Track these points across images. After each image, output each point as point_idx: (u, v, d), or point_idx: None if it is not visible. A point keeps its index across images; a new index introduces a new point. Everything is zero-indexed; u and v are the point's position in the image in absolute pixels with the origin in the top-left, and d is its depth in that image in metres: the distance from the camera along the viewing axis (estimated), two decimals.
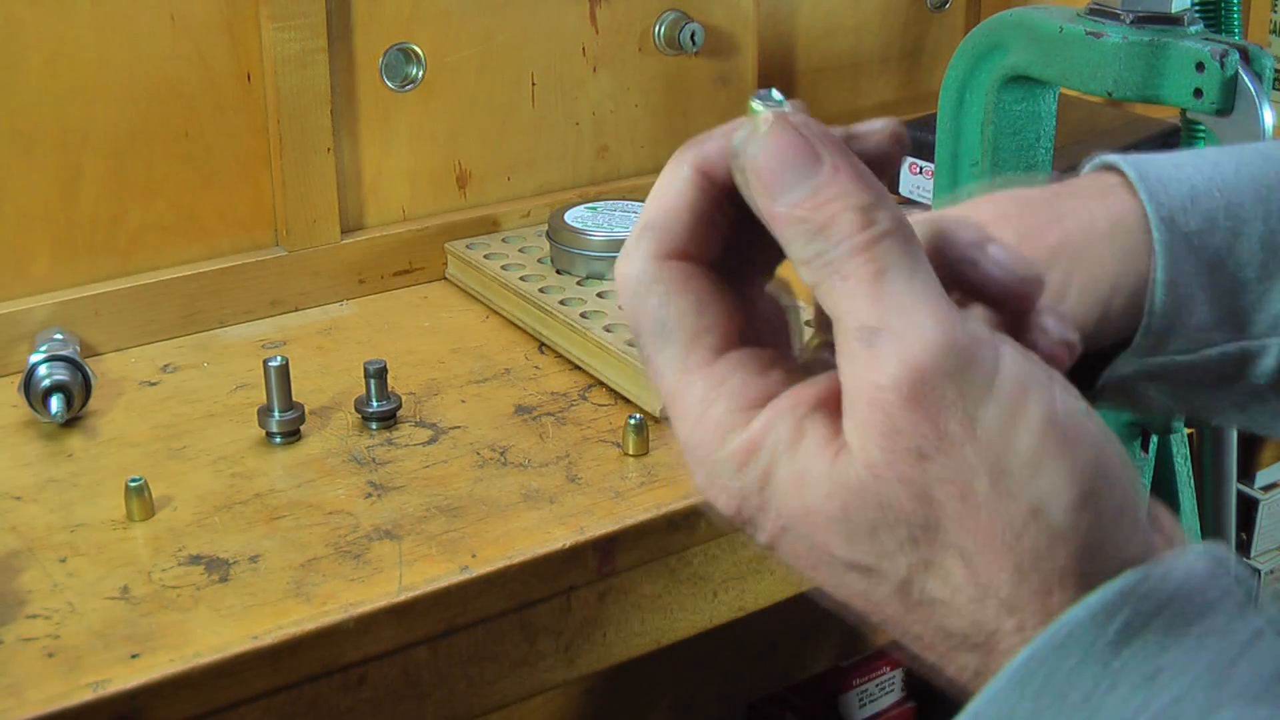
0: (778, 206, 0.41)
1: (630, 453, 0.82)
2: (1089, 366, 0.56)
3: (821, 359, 0.44)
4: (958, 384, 0.39)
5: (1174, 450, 0.95)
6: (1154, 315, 0.55)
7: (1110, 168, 0.60)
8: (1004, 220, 0.55)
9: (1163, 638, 0.38)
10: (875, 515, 0.40)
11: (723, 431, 0.42)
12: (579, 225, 1.02)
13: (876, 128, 0.44)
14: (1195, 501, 0.95)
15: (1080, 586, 0.38)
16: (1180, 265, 0.55)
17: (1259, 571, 1.62)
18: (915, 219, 0.43)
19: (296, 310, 1.02)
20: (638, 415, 0.83)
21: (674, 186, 0.47)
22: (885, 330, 0.39)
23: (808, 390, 0.42)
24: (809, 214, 0.40)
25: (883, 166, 0.43)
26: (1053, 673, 0.38)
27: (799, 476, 0.41)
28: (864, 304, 0.39)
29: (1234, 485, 1.27)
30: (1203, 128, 1.03)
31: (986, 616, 0.39)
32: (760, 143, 0.41)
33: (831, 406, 0.41)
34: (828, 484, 0.40)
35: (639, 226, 0.47)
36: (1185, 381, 0.57)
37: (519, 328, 0.99)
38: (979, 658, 0.40)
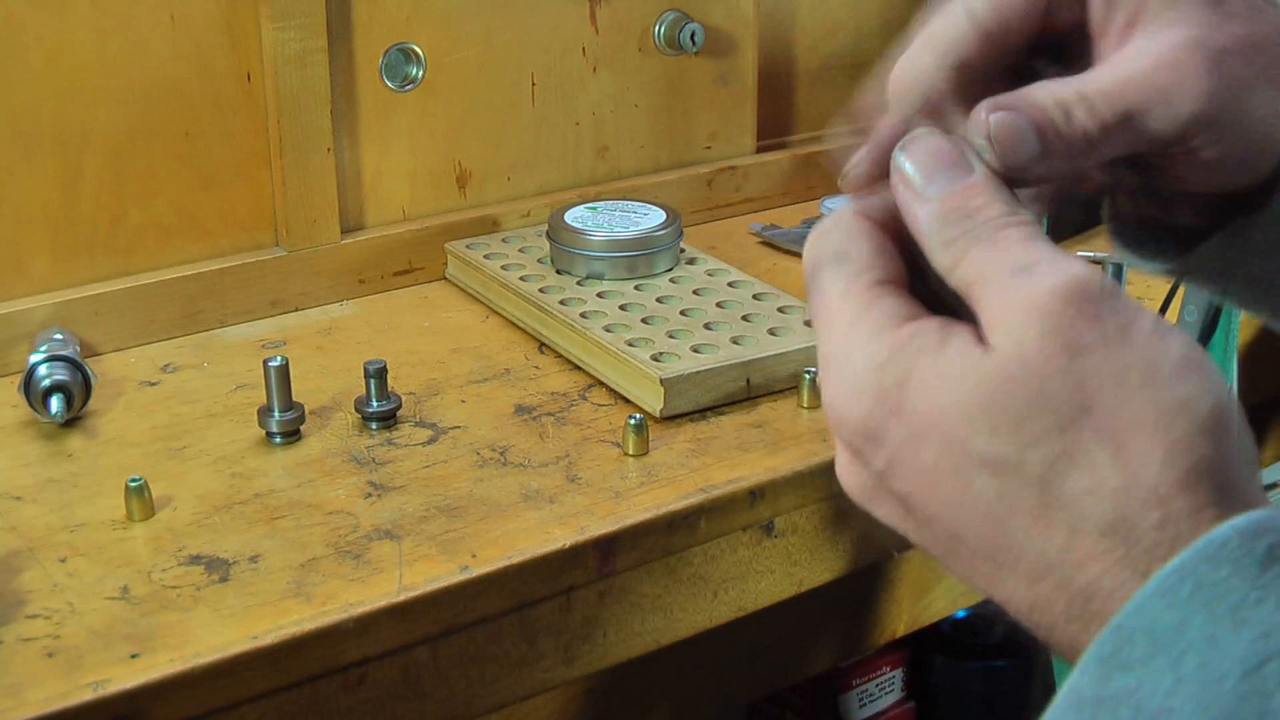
0: (930, 191, 0.46)
1: (630, 453, 0.82)
2: (1196, 211, 0.54)
3: None
4: (1112, 301, 0.42)
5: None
6: None
7: None
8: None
9: None
10: (1024, 403, 0.42)
11: (871, 335, 0.45)
12: (579, 225, 1.02)
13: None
14: None
15: (1219, 502, 0.40)
16: None
17: None
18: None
19: (296, 310, 1.02)
20: (638, 415, 0.83)
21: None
22: (1042, 262, 0.43)
23: (954, 319, 0.45)
24: (962, 203, 0.45)
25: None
26: (1202, 583, 0.38)
27: (943, 372, 0.43)
28: (1019, 250, 0.43)
29: None
30: None
31: (1132, 508, 0.40)
32: (915, 146, 0.47)
33: (976, 332, 0.44)
34: (976, 374, 0.42)
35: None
36: None
37: (519, 328, 0.99)
38: (1114, 573, 0.40)
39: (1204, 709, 0.37)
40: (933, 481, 0.44)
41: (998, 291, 0.43)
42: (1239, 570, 0.38)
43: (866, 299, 0.46)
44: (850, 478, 0.48)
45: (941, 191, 0.46)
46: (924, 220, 0.46)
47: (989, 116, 0.47)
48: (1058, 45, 0.53)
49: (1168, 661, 0.38)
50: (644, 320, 0.94)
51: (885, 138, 0.50)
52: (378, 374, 0.85)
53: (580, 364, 0.93)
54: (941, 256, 0.45)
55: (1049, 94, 0.48)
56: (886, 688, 1.34)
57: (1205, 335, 0.81)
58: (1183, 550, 0.39)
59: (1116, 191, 0.57)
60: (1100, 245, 1.16)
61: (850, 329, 0.46)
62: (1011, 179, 0.47)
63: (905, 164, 0.47)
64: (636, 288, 0.99)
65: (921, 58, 0.51)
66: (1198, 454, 0.40)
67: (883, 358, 0.45)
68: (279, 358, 0.83)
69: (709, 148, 1.21)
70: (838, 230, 0.48)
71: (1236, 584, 0.38)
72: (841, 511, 0.84)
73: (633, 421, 0.82)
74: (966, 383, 0.43)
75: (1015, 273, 0.43)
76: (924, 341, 0.44)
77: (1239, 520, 0.39)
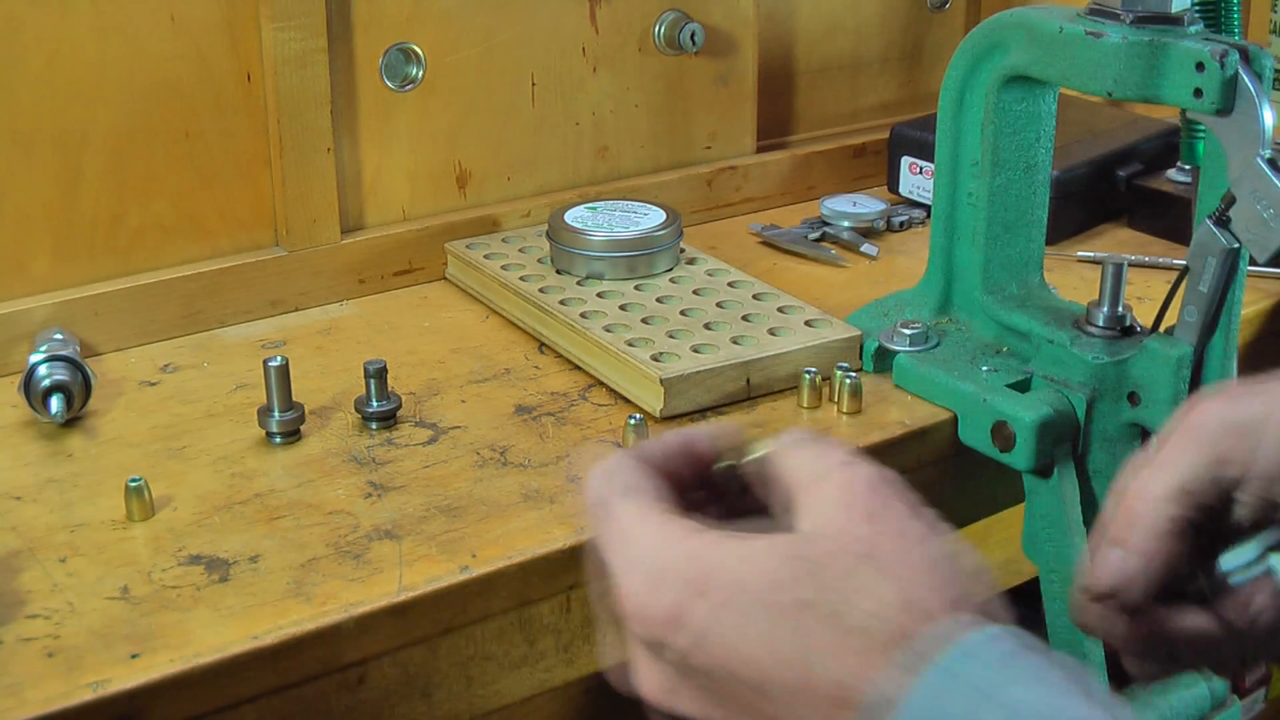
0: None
1: None
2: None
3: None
4: (892, 487, 0.54)
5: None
6: None
7: None
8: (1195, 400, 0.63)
9: (1038, 657, 0.48)
10: (824, 554, 0.51)
11: (676, 539, 0.54)
12: (579, 225, 1.02)
13: None
14: None
15: (974, 622, 0.49)
16: None
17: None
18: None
19: (296, 310, 1.02)
20: (638, 415, 0.83)
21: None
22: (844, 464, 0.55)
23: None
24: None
25: None
26: (960, 675, 0.47)
27: (748, 551, 0.52)
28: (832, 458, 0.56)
29: None
30: (1202, 128, 1.03)
31: (910, 623, 0.49)
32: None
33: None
34: (780, 543, 0.52)
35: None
36: None
37: (519, 328, 0.99)
38: (897, 678, 0.48)
39: None
40: (737, 642, 0.51)
41: (811, 487, 0.54)
42: (989, 665, 0.47)
43: (664, 518, 0.54)
44: (651, 679, 0.55)
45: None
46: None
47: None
48: None
49: None
50: (644, 320, 0.94)
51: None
52: (378, 374, 0.85)
53: (580, 364, 0.93)
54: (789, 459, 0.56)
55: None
56: None
57: (1205, 335, 0.81)
58: (948, 651, 0.48)
59: None
60: (1100, 245, 1.16)
61: (653, 538, 0.54)
62: None
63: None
64: (636, 288, 0.99)
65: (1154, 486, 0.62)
66: (956, 589, 0.51)
67: (689, 552, 0.52)
68: (279, 358, 0.83)
69: (709, 148, 1.21)
70: (623, 470, 0.57)
71: (988, 675, 0.47)
72: None
73: (633, 421, 0.82)
74: (773, 552, 0.52)
75: (818, 476, 0.54)
76: (725, 535, 0.53)
77: (989, 629, 0.49)
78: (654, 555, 0.53)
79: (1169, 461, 0.61)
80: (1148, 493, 0.61)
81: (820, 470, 0.55)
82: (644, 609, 0.53)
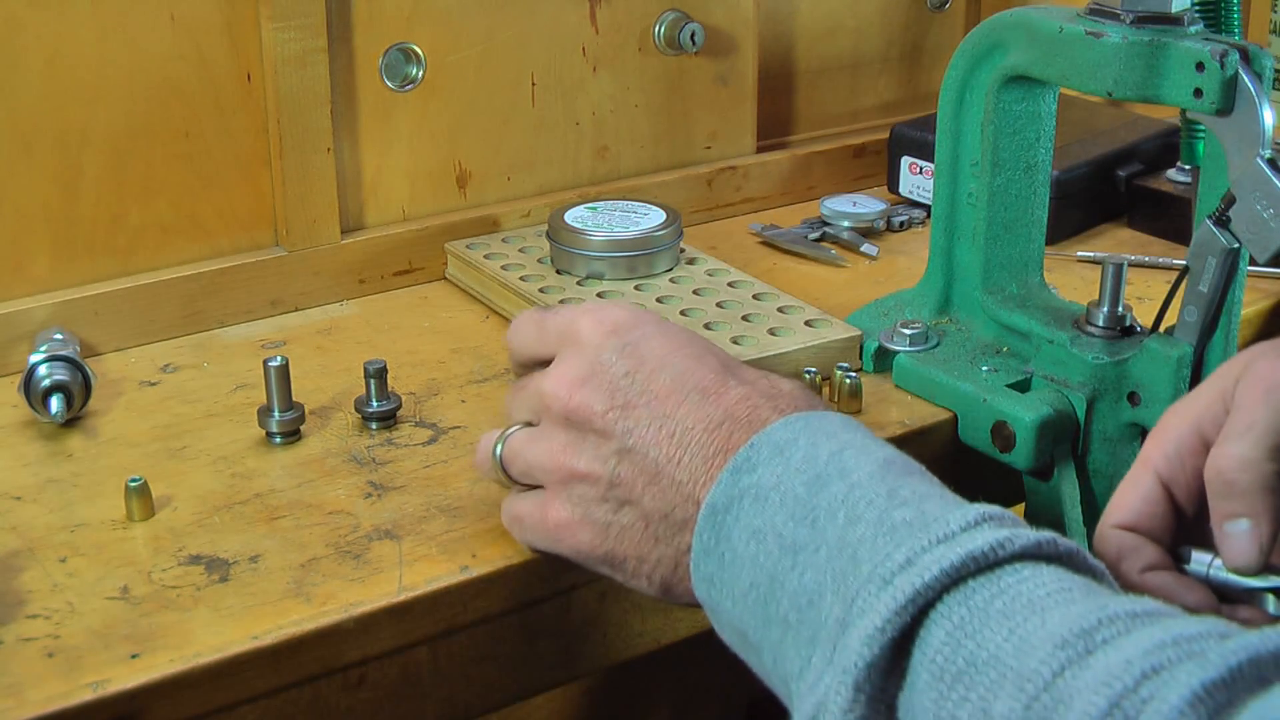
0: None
1: None
2: None
3: None
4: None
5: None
6: None
7: None
8: (1250, 355, 0.63)
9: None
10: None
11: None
12: (579, 225, 1.02)
13: None
14: None
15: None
16: None
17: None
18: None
19: (296, 310, 1.02)
20: None
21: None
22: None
23: None
24: None
25: None
26: (810, 421, 0.63)
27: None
28: None
29: None
30: (1202, 128, 1.03)
31: (780, 388, 0.67)
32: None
33: None
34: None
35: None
36: None
37: None
38: (767, 414, 0.64)
39: (800, 477, 0.59)
40: (675, 348, 0.67)
41: None
42: (835, 420, 0.63)
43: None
44: (569, 368, 0.68)
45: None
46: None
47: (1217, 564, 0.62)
48: None
49: (780, 459, 0.60)
50: None
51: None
52: (378, 374, 0.85)
53: None
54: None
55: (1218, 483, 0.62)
56: None
57: (1205, 335, 0.81)
58: (802, 411, 0.63)
59: None
60: (1100, 245, 1.16)
61: (603, 304, 0.72)
62: None
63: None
64: (636, 288, 0.99)
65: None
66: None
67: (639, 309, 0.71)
68: (279, 358, 0.83)
69: (709, 148, 1.21)
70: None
71: (832, 422, 0.62)
72: None
73: None
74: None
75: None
76: None
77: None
78: (607, 309, 0.70)
79: (1253, 424, 0.60)
80: (1245, 459, 0.60)
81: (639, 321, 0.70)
82: (599, 320, 0.69)
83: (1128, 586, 0.62)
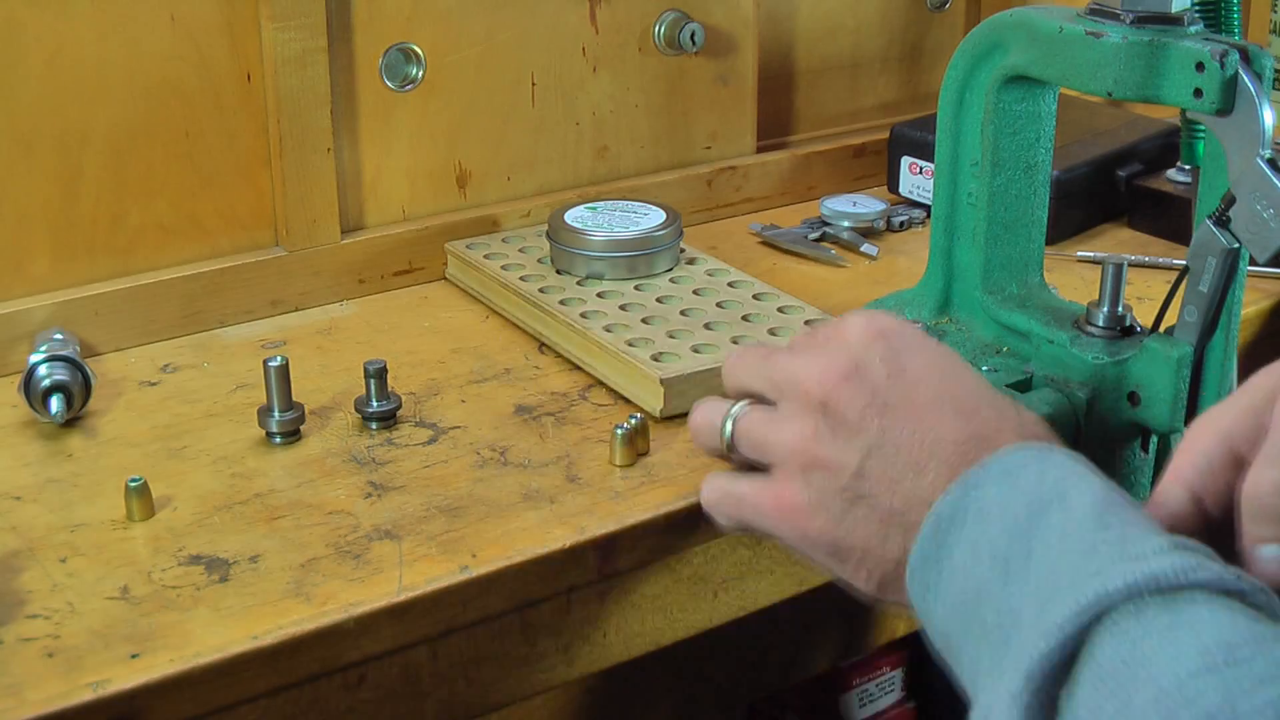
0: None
1: (617, 463, 0.81)
2: None
3: None
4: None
5: (1174, 449, 0.94)
6: None
7: None
8: None
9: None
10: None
11: None
12: (579, 225, 1.02)
13: None
14: None
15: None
16: None
17: None
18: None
19: (296, 310, 1.02)
20: (638, 415, 0.83)
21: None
22: None
23: None
24: None
25: None
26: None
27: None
28: None
29: None
30: (1202, 128, 1.03)
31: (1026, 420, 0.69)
32: None
33: None
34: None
35: None
36: None
37: (519, 328, 0.99)
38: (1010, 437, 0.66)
39: (1023, 499, 0.61)
40: (939, 359, 0.70)
41: None
42: (1064, 455, 0.64)
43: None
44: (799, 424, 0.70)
45: None
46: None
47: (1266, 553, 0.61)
48: None
49: (1008, 481, 0.62)
50: (644, 320, 0.94)
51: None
52: (378, 374, 0.85)
53: (580, 364, 0.93)
54: None
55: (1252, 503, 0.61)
56: (886, 688, 1.34)
57: (1205, 336, 0.81)
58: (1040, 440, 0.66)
59: None
60: (1100, 245, 1.16)
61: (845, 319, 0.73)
62: None
63: None
64: (636, 288, 0.99)
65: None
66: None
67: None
68: (279, 358, 0.83)
69: (709, 148, 1.21)
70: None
71: (1061, 455, 0.64)
72: None
73: (620, 431, 0.81)
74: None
75: None
76: None
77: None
78: (855, 320, 0.71)
79: None
80: None
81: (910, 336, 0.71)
82: (844, 340, 0.71)
83: None
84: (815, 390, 0.68)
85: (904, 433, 0.66)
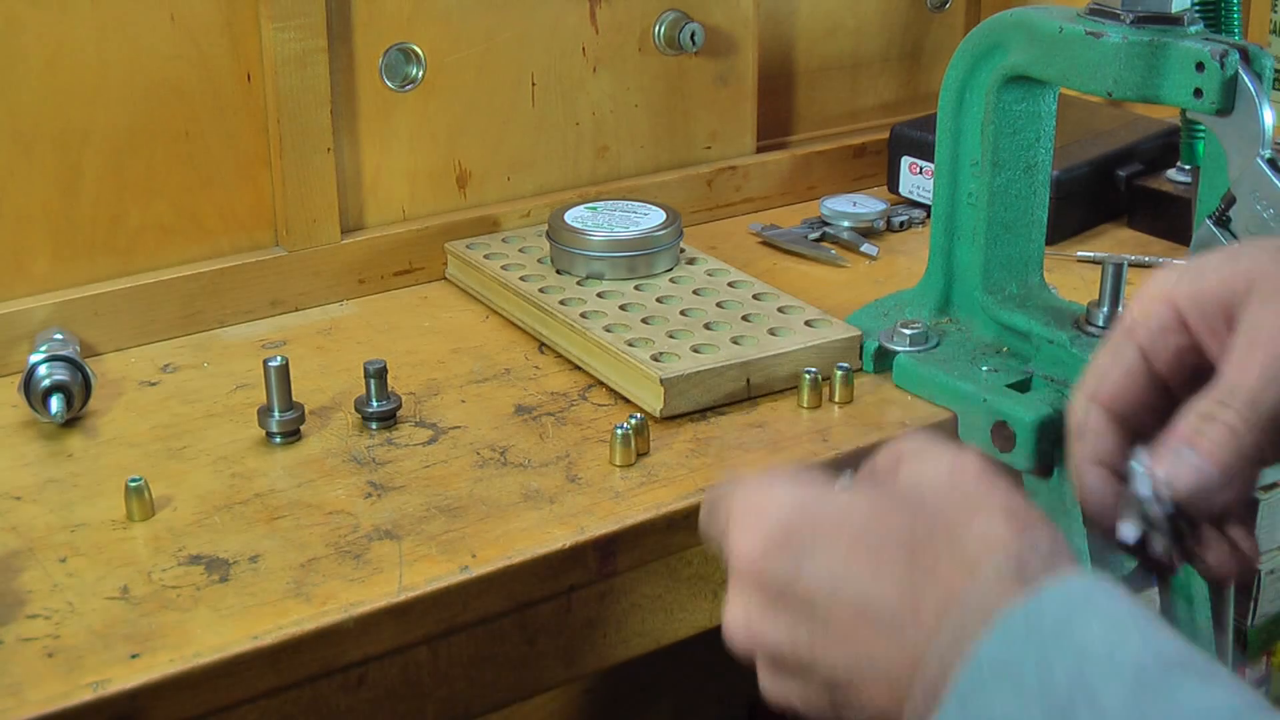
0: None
1: (617, 463, 0.81)
2: None
3: None
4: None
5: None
6: None
7: None
8: (1257, 270, 0.60)
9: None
10: (931, 497, 0.57)
11: (791, 482, 0.60)
12: (579, 225, 1.02)
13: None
14: None
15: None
16: None
17: (1259, 571, 1.62)
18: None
19: (296, 310, 1.02)
20: (638, 415, 0.83)
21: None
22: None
23: None
24: None
25: None
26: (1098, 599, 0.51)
27: (854, 494, 0.59)
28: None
29: None
30: (1202, 128, 1.03)
31: (1027, 554, 0.53)
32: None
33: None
34: (892, 487, 0.58)
35: None
36: None
37: (519, 328, 0.99)
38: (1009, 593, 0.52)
39: (1037, 706, 0.48)
40: (843, 562, 0.54)
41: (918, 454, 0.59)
42: (1055, 605, 0.51)
43: (781, 481, 0.58)
44: (739, 607, 0.57)
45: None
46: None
47: (1156, 469, 0.59)
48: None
49: (1008, 684, 0.49)
50: (644, 320, 0.94)
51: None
52: (378, 374, 0.85)
53: (580, 364, 0.93)
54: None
55: (1194, 414, 0.59)
56: None
57: None
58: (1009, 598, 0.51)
59: None
60: (1100, 245, 1.16)
61: (767, 494, 0.57)
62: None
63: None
64: (636, 288, 0.99)
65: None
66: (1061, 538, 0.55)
67: (797, 499, 0.57)
68: (279, 358, 0.83)
69: (709, 148, 1.21)
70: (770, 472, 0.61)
71: (1053, 612, 0.50)
72: None
73: (620, 432, 0.81)
74: (879, 493, 0.56)
75: (924, 449, 0.59)
76: (831, 488, 0.58)
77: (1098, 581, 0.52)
78: (764, 502, 0.57)
79: (1241, 391, 0.59)
80: (1231, 427, 0.59)
81: (929, 447, 0.58)
82: (750, 538, 0.56)
83: (1075, 468, 0.64)
84: (737, 637, 0.58)
85: (844, 668, 0.54)
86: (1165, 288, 0.62)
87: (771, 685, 0.58)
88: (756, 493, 0.58)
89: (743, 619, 0.57)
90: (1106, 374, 0.63)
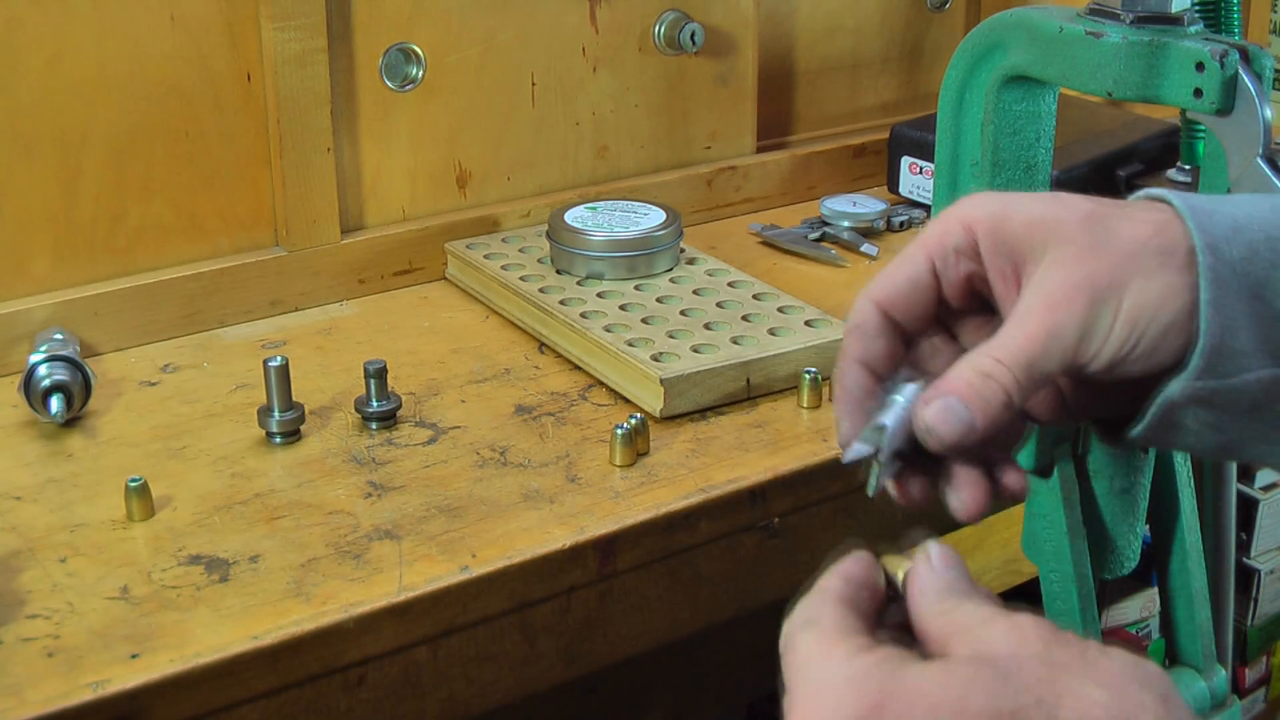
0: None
1: (617, 463, 0.81)
2: (1131, 398, 0.59)
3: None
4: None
5: (1174, 451, 0.94)
6: (1205, 335, 0.57)
7: (1156, 199, 0.62)
8: (1060, 228, 0.59)
9: None
10: (1013, 666, 0.49)
11: (847, 658, 0.51)
12: (579, 225, 1.02)
13: None
14: (1195, 502, 0.95)
15: None
16: (1225, 289, 0.57)
17: (1259, 571, 1.62)
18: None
19: (296, 310, 1.02)
20: (638, 415, 0.83)
21: None
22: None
23: None
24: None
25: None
26: None
27: (923, 671, 0.49)
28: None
29: (1234, 485, 1.27)
30: (1202, 128, 1.03)
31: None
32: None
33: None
34: (959, 664, 0.49)
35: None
36: (1226, 408, 0.59)
37: (519, 328, 0.99)
38: None
39: None
40: None
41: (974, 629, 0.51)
42: None
43: (838, 642, 0.52)
44: None
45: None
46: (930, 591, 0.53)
47: (922, 411, 0.57)
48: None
49: None
50: (644, 320, 0.94)
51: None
52: (378, 374, 0.85)
53: (580, 364, 0.93)
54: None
55: (970, 369, 0.57)
56: None
57: None
58: None
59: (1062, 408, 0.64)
60: None
61: (826, 662, 0.51)
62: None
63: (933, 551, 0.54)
64: (636, 288, 0.99)
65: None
66: (1165, 684, 0.48)
67: (862, 671, 0.49)
68: (279, 358, 0.83)
69: (709, 148, 1.21)
70: (804, 606, 0.54)
71: None
72: (841, 511, 0.84)
73: (620, 432, 0.81)
74: (956, 663, 0.49)
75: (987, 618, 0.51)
76: (898, 654, 0.50)
77: None
78: (828, 678, 0.50)
79: (1023, 352, 0.58)
80: (1006, 386, 0.58)
81: (984, 614, 0.51)
82: None
83: (838, 365, 0.61)
84: None
85: None
86: (971, 212, 0.61)
87: None
88: (817, 668, 0.52)
89: None
90: (892, 279, 0.61)
